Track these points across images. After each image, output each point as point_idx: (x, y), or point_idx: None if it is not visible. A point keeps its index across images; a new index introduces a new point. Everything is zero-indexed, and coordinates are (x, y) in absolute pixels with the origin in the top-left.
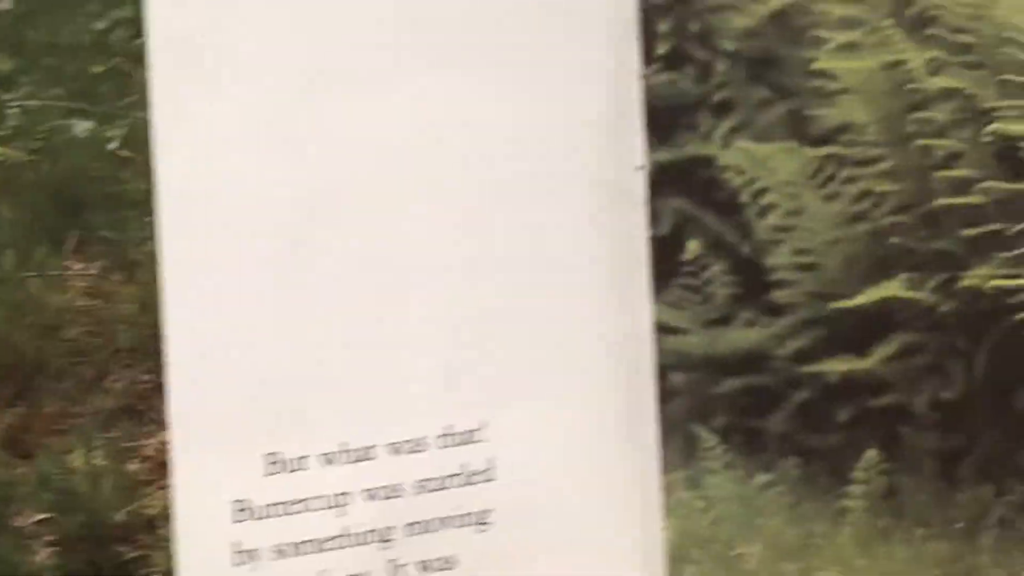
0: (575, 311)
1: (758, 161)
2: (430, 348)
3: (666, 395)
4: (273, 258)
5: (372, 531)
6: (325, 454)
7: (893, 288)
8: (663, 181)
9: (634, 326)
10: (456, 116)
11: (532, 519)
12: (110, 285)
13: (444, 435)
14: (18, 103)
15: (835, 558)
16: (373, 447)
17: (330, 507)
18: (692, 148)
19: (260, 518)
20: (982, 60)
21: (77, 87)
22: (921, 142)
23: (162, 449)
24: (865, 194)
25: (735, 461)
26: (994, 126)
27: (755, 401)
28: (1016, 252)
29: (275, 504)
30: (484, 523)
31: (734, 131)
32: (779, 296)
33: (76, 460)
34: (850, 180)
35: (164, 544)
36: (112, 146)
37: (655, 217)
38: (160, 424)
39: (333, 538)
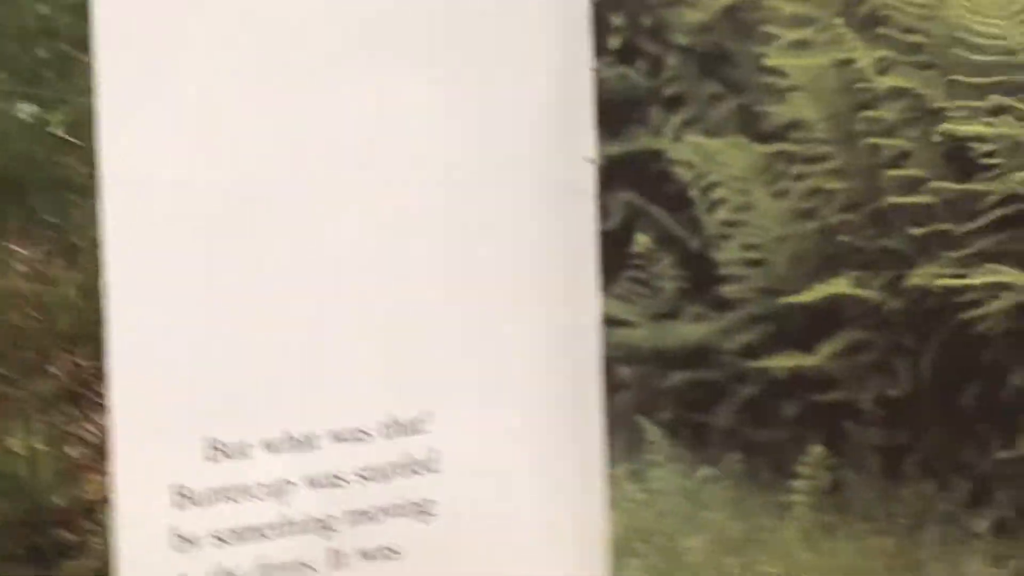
0: (521, 303)
1: (708, 156)
2: (374, 338)
3: (612, 388)
4: (217, 246)
5: (314, 520)
6: (267, 441)
7: (841, 285)
8: (613, 175)
9: (581, 319)
10: (404, 108)
11: (475, 511)
12: (53, 270)
13: (387, 425)
14: None
15: (779, 552)
16: (315, 435)
17: (271, 495)
18: (642, 142)
19: (200, 505)
20: (932, 60)
21: (22, 71)
22: (870, 141)
23: (102, 434)
24: (814, 191)
25: (680, 455)
26: (943, 126)
27: (701, 395)
28: (963, 252)
29: (215, 491)
30: (427, 514)
31: (685, 126)
32: (727, 291)
33: (15, 444)
34: (799, 177)
35: (103, 529)
36: (56, 131)
37: (605, 210)
38: (101, 409)
39: (274, 526)
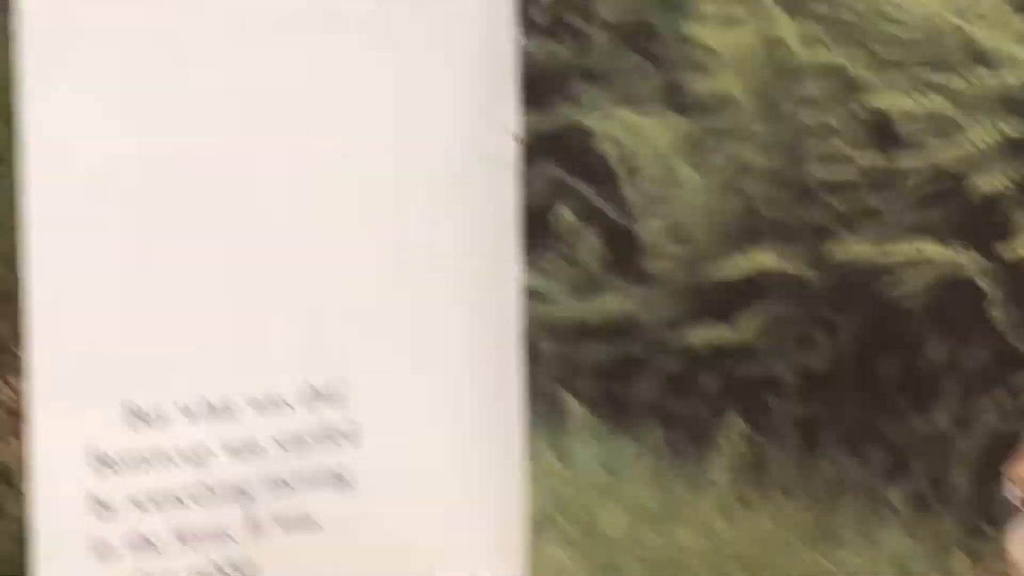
0: (443, 276)
1: (632, 131)
2: (294, 306)
3: (533, 361)
4: (138, 213)
5: (232, 487)
6: (185, 408)
7: (764, 259)
8: (537, 149)
9: (502, 292)
10: (324, 81)
11: (395, 481)
12: None
13: (306, 393)
14: None
15: (697, 524)
16: (234, 402)
17: (189, 461)
18: (567, 116)
19: (118, 470)
20: (858, 35)
21: None
22: (795, 115)
23: (18, 398)
24: (738, 166)
25: (601, 428)
26: (869, 101)
27: (622, 369)
28: (885, 225)
29: (133, 456)
30: (346, 484)
31: (609, 100)
32: (650, 265)
33: None
34: (722, 151)
35: (19, 494)
36: None
37: (528, 185)
38: (17, 372)
39: (192, 493)
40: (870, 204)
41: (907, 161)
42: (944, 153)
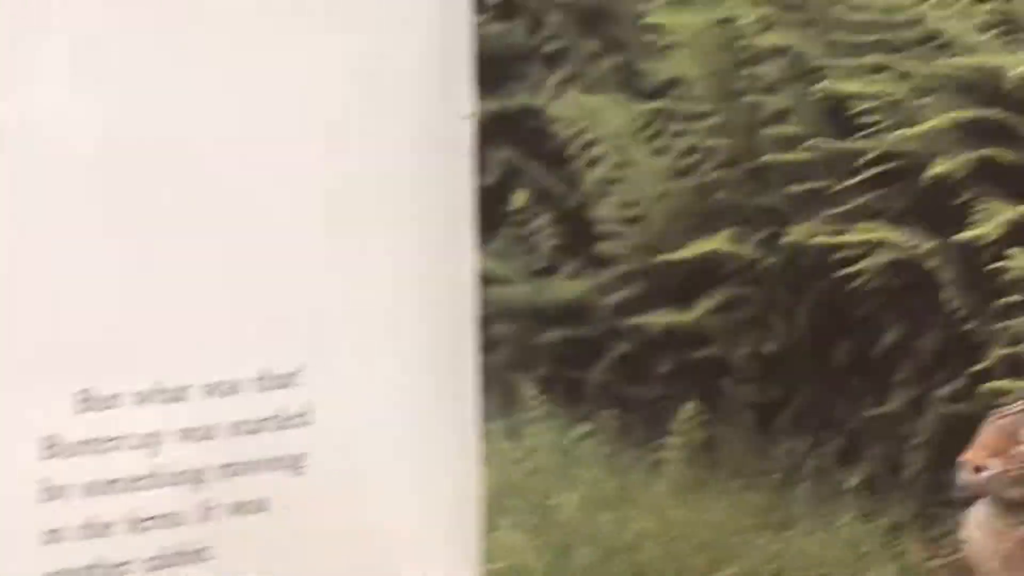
0: (396, 259)
1: (587, 113)
2: (248, 292)
3: (488, 345)
4: (92, 199)
5: (185, 472)
6: (138, 393)
7: (718, 242)
8: (492, 131)
9: (457, 275)
10: (279, 62)
11: (348, 465)
12: None
13: (260, 378)
14: None
15: (651, 508)
16: (188, 388)
17: (142, 447)
18: (522, 98)
19: (70, 455)
20: (813, 18)
21: None
22: (750, 98)
23: None
24: (693, 149)
25: (555, 411)
26: (823, 84)
27: (577, 352)
28: (840, 209)
29: (86, 442)
30: (299, 467)
31: (564, 83)
32: (604, 248)
33: None
34: (678, 134)
35: None
36: None
37: (483, 167)
38: None
39: (144, 478)
40: (825, 187)
41: (860, 143)
42: (898, 137)
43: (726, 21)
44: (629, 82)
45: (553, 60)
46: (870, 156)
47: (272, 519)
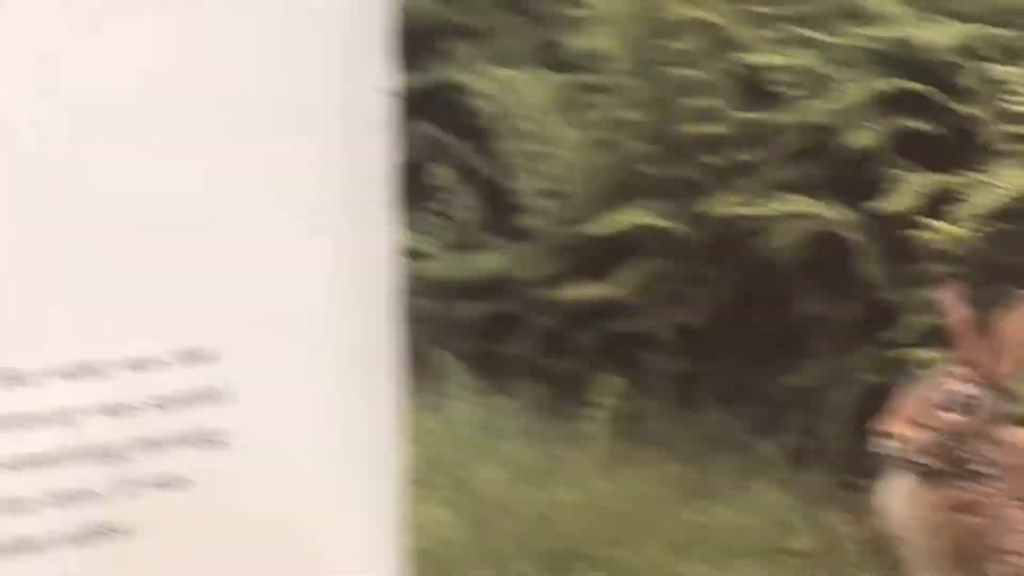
0: (317, 235)
1: (508, 88)
2: (168, 268)
3: (410, 320)
4: (10, 174)
5: (105, 448)
6: (59, 369)
7: (637, 215)
8: (413, 106)
9: (379, 251)
10: (194, 36)
11: (271, 441)
12: None
13: (182, 354)
14: None
15: (574, 481)
16: (108, 364)
17: (62, 422)
18: (443, 74)
19: None
20: None
21: None
22: (669, 71)
23: None
24: (612, 122)
25: (477, 386)
26: (740, 56)
27: (499, 326)
28: (758, 181)
29: (5, 417)
30: (220, 443)
31: (484, 57)
32: (526, 222)
33: None
34: (599, 108)
35: None
36: None
37: (404, 142)
38: None
39: (64, 454)
40: (743, 160)
41: (780, 117)
42: (816, 109)
43: None
44: (550, 56)
45: (474, 35)
46: (788, 128)
47: (193, 496)
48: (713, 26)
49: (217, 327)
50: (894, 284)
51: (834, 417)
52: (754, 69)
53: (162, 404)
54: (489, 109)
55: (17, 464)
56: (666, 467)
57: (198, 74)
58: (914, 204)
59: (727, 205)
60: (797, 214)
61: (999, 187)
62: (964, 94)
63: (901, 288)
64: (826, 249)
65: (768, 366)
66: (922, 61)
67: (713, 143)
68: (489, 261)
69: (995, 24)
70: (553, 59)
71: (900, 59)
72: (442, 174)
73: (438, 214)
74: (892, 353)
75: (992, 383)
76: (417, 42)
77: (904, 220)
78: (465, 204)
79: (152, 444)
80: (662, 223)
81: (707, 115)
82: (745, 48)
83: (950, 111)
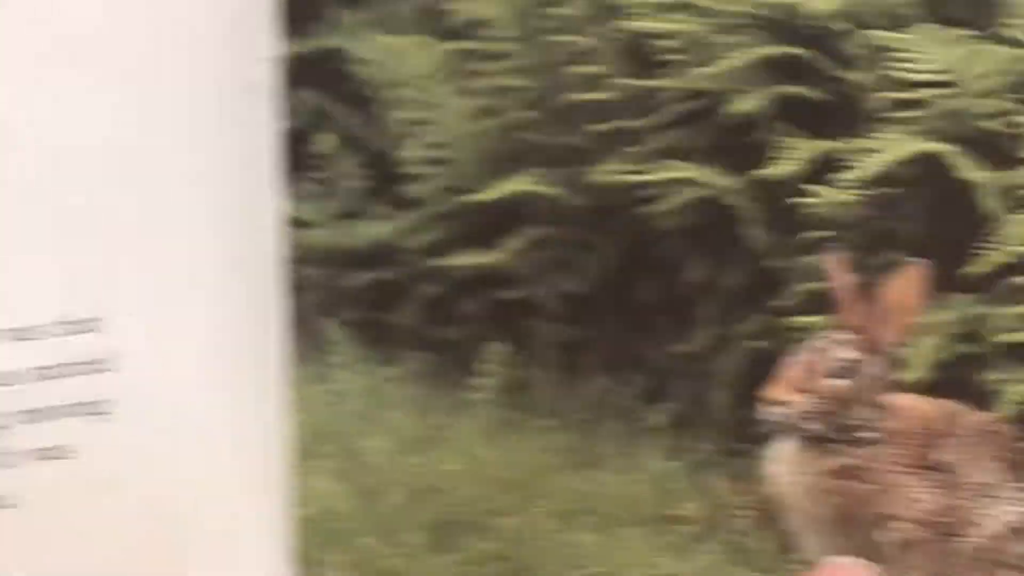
0: (200, 203)
1: (392, 55)
2: (49, 237)
3: (295, 289)
4: None
5: None
6: None
7: (523, 182)
8: (296, 73)
9: (263, 219)
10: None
11: (155, 411)
12: None
13: (63, 323)
14: None
15: (460, 450)
16: None
17: None
18: (327, 40)
19: None
20: None
21: None
22: (553, 38)
23: None
24: (497, 89)
25: (363, 355)
26: (624, 23)
27: (384, 295)
28: (643, 148)
29: None
30: (104, 413)
31: (368, 24)
32: (411, 190)
33: None
34: (483, 75)
35: None
36: None
37: (288, 110)
38: None
39: None
40: (629, 127)
41: (662, 81)
42: (701, 75)
43: None
44: (433, 23)
45: (357, 2)
46: (672, 94)
47: (77, 466)
48: None
49: (100, 297)
50: (780, 251)
51: (721, 384)
52: (639, 35)
53: (44, 374)
54: (374, 76)
55: None
56: (553, 435)
57: (77, 40)
58: (799, 170)
59: (613, 172)
60: (683, 181)
61: (883, 153)
62: (849, 60)
63: (787, 255)
64: (712, 216)
65: (654, 334)
66: (807, 27)
67: (598, 110)
68: (374, 229)
69: None
70: (438, 26)
71: (785, 25)
72: (326, 142)
73: (322, 182)
74: (778, 320)
75: (877, 349)
76: (301, 8)
77: (789, 187)
78: (350, 172)
79: (34, 414)
80: (548, 190)
81: (592, 82)
82: (629, 14)
83: (835, 78)
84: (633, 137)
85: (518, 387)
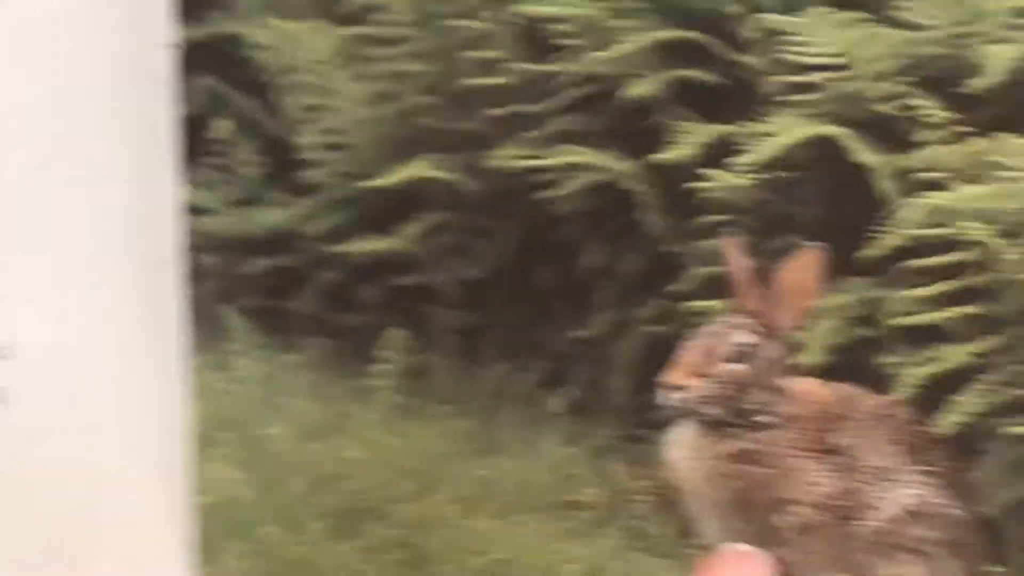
0: (97, 191)
1: (288, 40)
2: None
3: (194, 276)
4: None
5: None
6: None
7: (421, 168)
8: (192, 59)
9: (161, 206)
10: None
11: (53, 398)
12: None
13: None
14: None
15: (361, 437)
16: None
17: None
18: (223, 25)
19: None
20: None
21: None
22: (449, 22)
23: None
24: (393, 74)
25: (263, 342)
26: (520, 7)
27: (283, 281)
28: (540, 132)
29: None
30: (0, 400)
31: (264, 9)
32: (308, 176)
33: None
34: (379, 60)
35: None
36: None
37: (185, 96)
38: None
39: None
40: (526, 111)
41: (558, 66)
42: (597, 59)
43: None
44: (329, 8)
45: None
46: (568, 79)
47: None
48: None
49: None
50: (677, 235)
51: (619, 369)
52: (535, 20)
53: None
54: (270, 62)
55: None
56: (452, 422)
57: None
58: (694, 154)
59: (509, 157)
60: (579, 165)
61: (777, 136)
62: (744, 44)
63: (683, 239)
64: (609, 201)
65: (553, 319)
66: (702, 11)
67: (495, 95)
68: (272, 216)
69: None
70: (334, 11)
71: (680, 9)
72: (223, 128)
73: (220, 169)
74: (676, 304)
75: (774, 333)
76: None
77: (686, 171)
78: (247, 158)
79: None
80: (445, 176)
81: (489, 67)
82: None
83: (731, 61)
84: (530, 122)
85: (417, 373)
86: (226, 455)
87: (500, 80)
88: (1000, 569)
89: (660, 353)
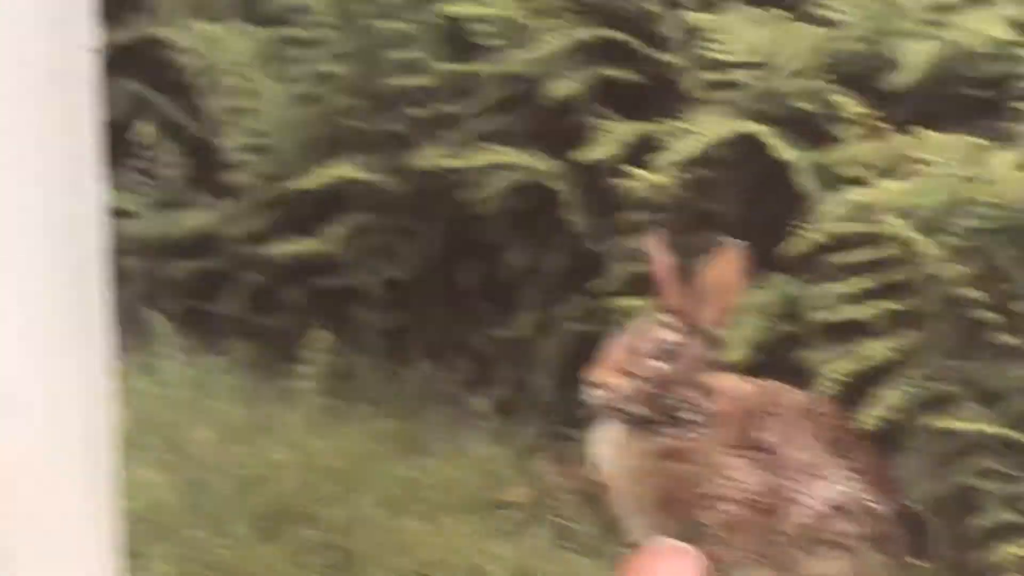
0: (20, 195)
1: (211, 42)
2: None
3: (118, 280)
4: None
5: None
6: None
7: (344, 169)
8: (115, 63)
9: (84, 210)
10: None
11: None
12: None
13: None
14: None
15: (286, 439)
16: None
17: None
18: (144, 29)
19: None
20: None
21: None
22: (371, 23)
23: None
24: (316, 76)
25: (187, 345)
26: (441, 8)
27: (207, 284)
28: (462, 132)
29: None
30: None
31: (187, 12)
32: (231, 178)
33: None
34: (301, 61)
35: None
36: None
37: (107, 99)
38: None
39: None
40: (447, 111)
41: (482, 68)
42: (518, 59)
43: None
44: (250, 9)
45: None
46: (490, 79)
47: None
48: None
49: None
50: (599, 233)
51: (544, 368)
52: (456, 20)
53: None
54: (192, 64)
55: None
56: (378, 423)
57: None
58: (616, 153)
59: (432, 157)
60: (502, 165)
61: (698, 134)
62: (664, 43)
63: (606, 237)
64: (532, 200)
65: (477, 319)
66: (623, 10)
67: (417, 95)
68: (195, 218)
69: None
70: (256, 13)
71: (601, 9)
72: (146, 131)
73: (143, 172)
74: (599, 302)
75: (697, 330)
76: None
77: (607, 169)
78: (170, 161)
79: None
80: (369, 177)
81: (410, 67)
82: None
83: (651, 59)
84: (452, 122)
85: (342, 375)
86: (151, 459)
87: (422, 81)
88: (923, 563)
89: (585, 351)
